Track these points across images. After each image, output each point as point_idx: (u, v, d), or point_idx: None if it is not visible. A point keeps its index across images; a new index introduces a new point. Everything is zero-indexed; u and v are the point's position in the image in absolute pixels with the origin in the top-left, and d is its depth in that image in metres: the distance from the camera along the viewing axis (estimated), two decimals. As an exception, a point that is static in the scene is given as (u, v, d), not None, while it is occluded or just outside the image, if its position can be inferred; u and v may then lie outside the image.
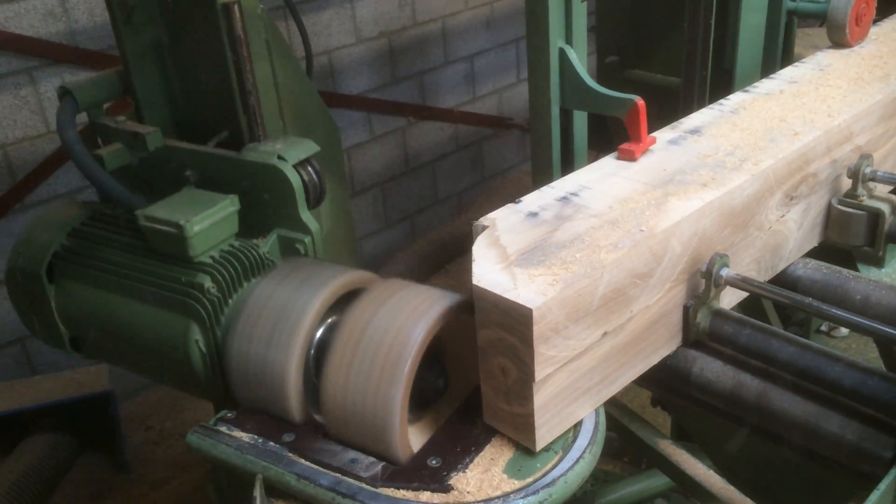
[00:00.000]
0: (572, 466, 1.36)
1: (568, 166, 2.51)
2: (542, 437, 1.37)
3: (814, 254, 1.89)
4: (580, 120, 2.57)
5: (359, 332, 1.44)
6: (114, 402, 3.68)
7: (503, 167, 6.08)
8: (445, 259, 5.43)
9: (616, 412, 1.97)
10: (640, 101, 1.76)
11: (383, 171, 5.23)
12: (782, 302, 1.52)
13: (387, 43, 5.00)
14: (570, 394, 1.38)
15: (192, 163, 1.89)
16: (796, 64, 2.11)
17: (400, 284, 1.53)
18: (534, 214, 1.50)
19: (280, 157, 1.77)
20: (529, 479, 1.35)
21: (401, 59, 5.10)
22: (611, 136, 3.24)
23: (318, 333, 1.57)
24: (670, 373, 1.62)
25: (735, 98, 1.94)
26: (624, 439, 2.00)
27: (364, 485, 1.38)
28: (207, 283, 1.67)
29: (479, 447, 1.42)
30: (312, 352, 1.57)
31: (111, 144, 1.95)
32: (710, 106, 1.91)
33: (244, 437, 1.54)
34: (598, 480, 3.18)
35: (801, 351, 1.46)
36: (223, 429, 1.58)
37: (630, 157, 1.67)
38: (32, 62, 3.65)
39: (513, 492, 1.33)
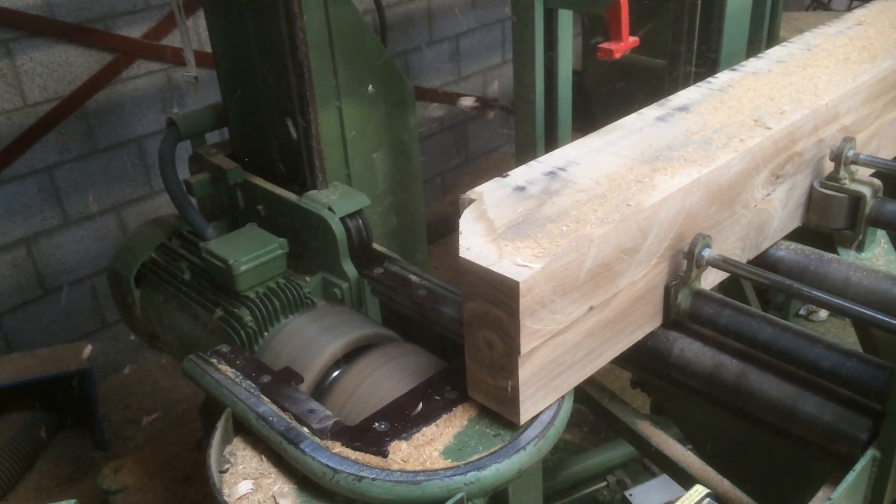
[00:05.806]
0: (510, 456, 1.35)
1: (552, 146, 2.50)
2: (527, 411, 1.37)
3: (795, 237, 1.90)
4: (564, 100, 2.56)
5: (352, 388, 1.67)
6: (91, 379, 3.65)
7: (488, 148, 6.05)
8: (429, 240, 5.40)
9: (595, 393, 1.97)
10: None
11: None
12: (762, 283, 1.52)
13: (371, 21, 4.93)
14: (556, 368, 1.38)
15: (262, 199, 2.10)
16: (784, 44, 2.10)
17: (400, 351, 1.73)
18: (521, 188, 1.48)
19: (330, 209, 1.91)
20: (461, 462, 1.34)
21: (385, 36, 5.04)
22: (594, 118, 3.25)
23: (332, 376, 1.74)
24: (651, 354, 1.62)
25: (723, 76, 1.93)
26: (603, 420, 2.00)
27: (312, 436, 1.43)
28: (247, 316, 1.85)
29: (428, 421, 1.43)
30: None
31: (201, 173, 2.22)
32: (699, 84, 1.90)
33: (228, 371, 1.66)
34: (559, 450, 3.22)
35: (780, 332, 1.46)
36: (214, 360, 1.70)
37: (609, 55, 1.60)
38: (9, 34, 3.57)
39: (441, 469, 1.33)
